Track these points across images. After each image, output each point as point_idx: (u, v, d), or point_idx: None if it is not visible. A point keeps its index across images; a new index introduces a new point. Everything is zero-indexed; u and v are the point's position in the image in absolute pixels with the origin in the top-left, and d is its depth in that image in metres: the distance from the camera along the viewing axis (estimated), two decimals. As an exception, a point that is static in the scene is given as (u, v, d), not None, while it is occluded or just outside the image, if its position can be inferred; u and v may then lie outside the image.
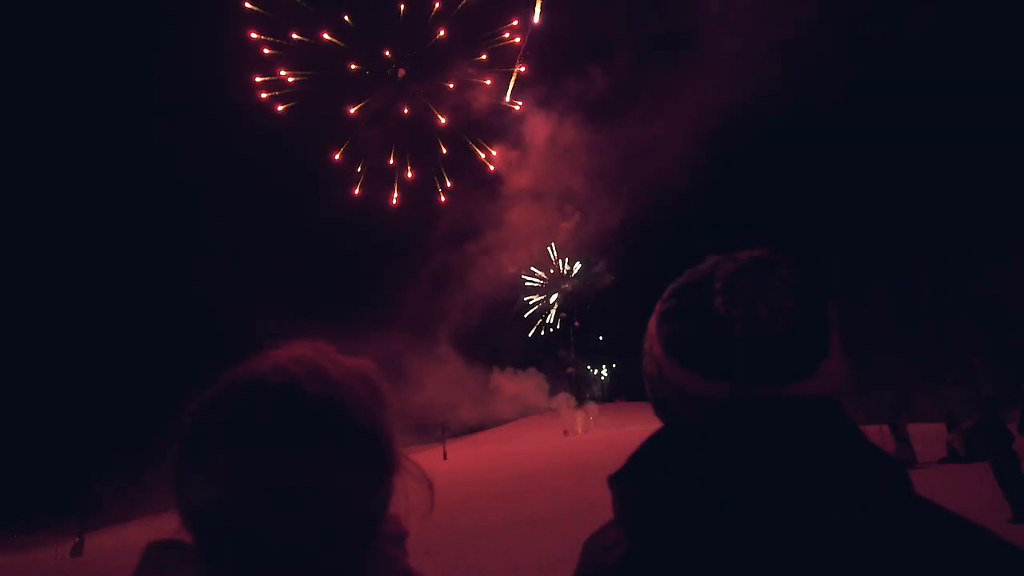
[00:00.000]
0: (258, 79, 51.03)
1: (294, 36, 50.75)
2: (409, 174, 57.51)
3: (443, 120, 55.80)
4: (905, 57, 28.65)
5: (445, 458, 35.41)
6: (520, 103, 52.27)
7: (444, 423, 42.71)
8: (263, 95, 51.34)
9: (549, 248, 52.88)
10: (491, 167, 58.44)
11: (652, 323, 0.71)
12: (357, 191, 57.61)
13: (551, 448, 29.41)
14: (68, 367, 41.89)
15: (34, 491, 36.62)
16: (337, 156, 55.59)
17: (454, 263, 57.52)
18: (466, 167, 58.58)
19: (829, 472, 0.56)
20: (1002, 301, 22.22)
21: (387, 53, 53.57)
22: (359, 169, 57.48)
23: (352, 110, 54.01)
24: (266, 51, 50.01)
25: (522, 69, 49.37)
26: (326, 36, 51.10)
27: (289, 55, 51.43)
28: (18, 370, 39.83)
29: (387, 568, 0.60)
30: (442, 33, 51.77)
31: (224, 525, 0.53)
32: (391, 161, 58.23)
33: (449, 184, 58.95)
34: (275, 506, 0.53)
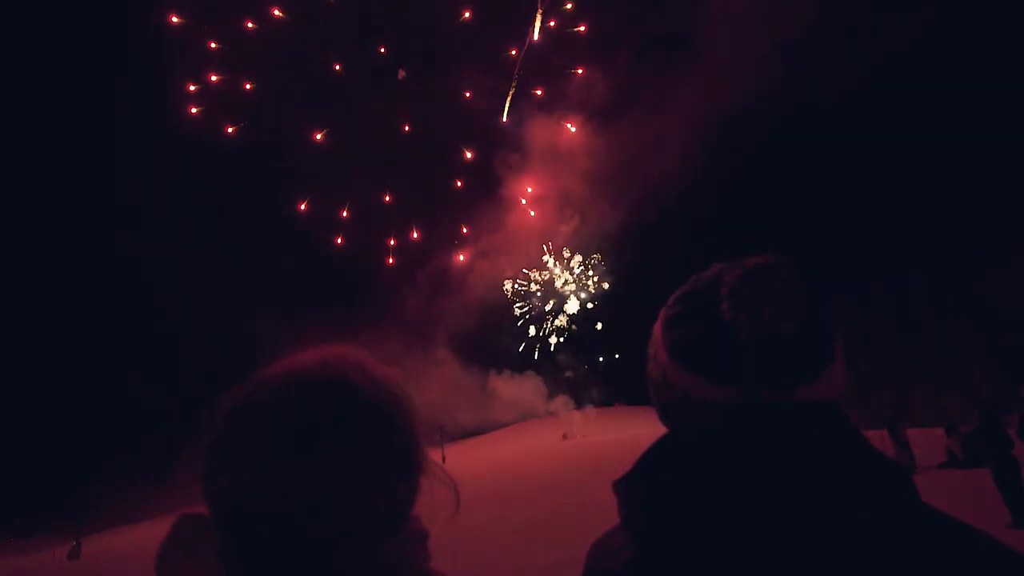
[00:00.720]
0: (192, 87, 35.49)
1: (249, 25, 34.90)
2: (415, 234, 41.00)
3: (469, 155, 39.46)
4: (905, 57, 28.75)
5: (444, 461, 35.10)
6: (572, 125, 38.70)
7: (442, 426, 42.65)
8: (194, 110, 35.85)
9: (545, 249, 50.15)
10: (532, 212, 43.00)
11: (657, 328, 0.71)
12: (340, 240, 41.30)
13: (550, 451, 29.38)
14: (67, 369, 41.81)
15: (32, 493, 36.51)
16: (303, 206, 39.12)
17: (452, 266, 51.46)
18: (486, 203, 41.13)
19: (834, 477, 0.56)
20: (1002, 302, 22.26)
21: (382, 49, 37.83)
22: (344, 213, 40.31)
23: (318, 136, 37.32)
24: (213, 45, 34.85)
25: (552, 85, 37.60)
26: (277, 13, 34.28)
27: (239, 52, 35.42)
28: (16, 371, 39.78)
29: (410, 567, 0.61)
30: (467, 15, 35.27)
31: (256, 517, 0.54)
32: (387, 198, 40.97)
33: (465, 230, 42.42)
34: (313, 499, 0.54)
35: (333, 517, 0.55)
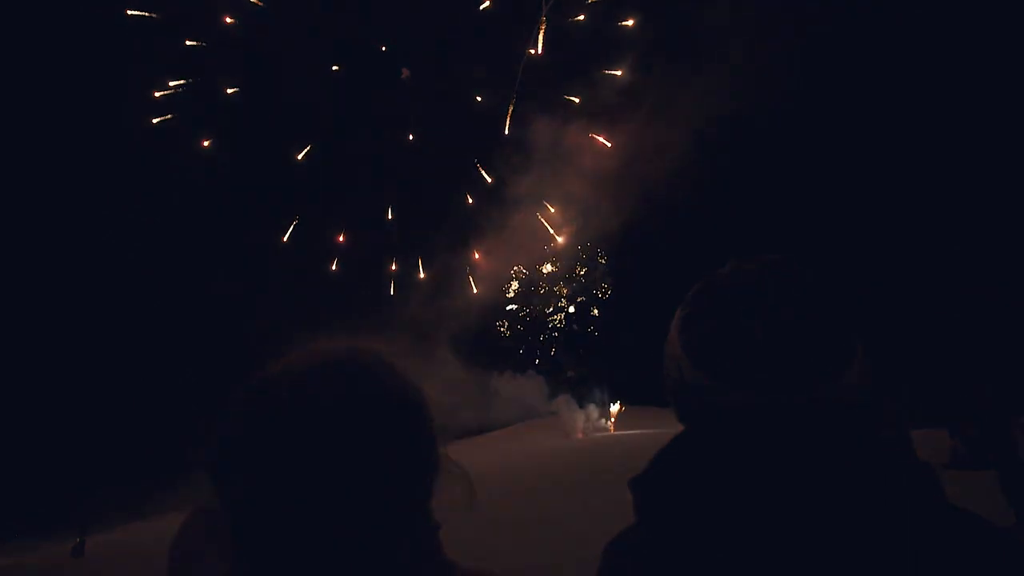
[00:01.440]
0: (157, 93, 30.10)
1: (227, 21, 29.64)
2: (421, 273, 35.95)
3: (489, 179, 34.59)
4: (905, 59, 28.76)
5: (446, 461, 34.93)
6: (608, 142, 33.04)
7: (443, 426, 42.39)
8: (156, 120, 30.45)
9: (548, 249, 49.42)
10: (560, 239, 39.10)
11: (673, 327, 0.71)
12: (334, 267, 35.88)
13: (552, 451, 29.43)
14: (70, 365, 42.07)
15: (34, 489, 36.74)
16: (285, 237, 33.90)
17: (454, 266, 48.10)
18: (498, 217, 34.16)
19: (855, 478, 0.56)
20: (1005, 299, 22.22)
21: (383, 48, 32.13)
22: (340, 238, 35.47)
23: (301, 156, 31.89)
24: (188, 42, 29.73)
25: (579, 97, 32.51)
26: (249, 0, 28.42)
27: (215, 51, 30.12)
28: (20, 367, 40.01)
29: (427, 558, 0.61)
30: (486, 3, 29.71)
31: (274, 510, 0.54)
32: (389, 215, 35.80)
33: (477, 255, 37.29)
34: (332, 493, 0.54)
35: (353, 510, 0.55)
